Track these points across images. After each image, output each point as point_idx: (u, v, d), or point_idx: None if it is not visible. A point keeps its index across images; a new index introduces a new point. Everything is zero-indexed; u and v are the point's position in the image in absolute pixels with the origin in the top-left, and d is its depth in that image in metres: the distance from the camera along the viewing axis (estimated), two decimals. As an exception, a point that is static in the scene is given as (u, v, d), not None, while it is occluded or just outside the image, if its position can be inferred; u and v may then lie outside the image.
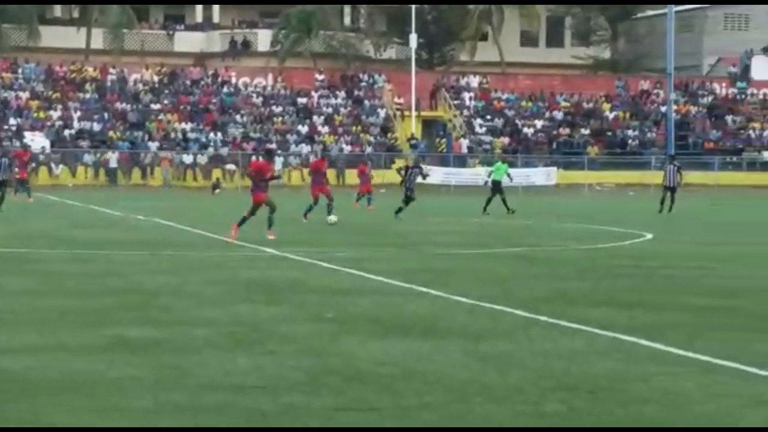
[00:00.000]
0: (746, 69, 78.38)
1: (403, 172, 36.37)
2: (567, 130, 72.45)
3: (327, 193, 31.88)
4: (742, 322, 13.02)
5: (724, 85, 78.05)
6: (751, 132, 73.06)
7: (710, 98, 76.58)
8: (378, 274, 17.91)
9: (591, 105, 75.12)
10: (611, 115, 74.29)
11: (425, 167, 38.29)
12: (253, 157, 56.20)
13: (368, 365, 9.87)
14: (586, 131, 72.37)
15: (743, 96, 77.05)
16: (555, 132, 72.52)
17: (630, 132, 72.57)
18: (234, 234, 24.15)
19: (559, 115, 74.43)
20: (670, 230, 31.00)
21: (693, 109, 74.98)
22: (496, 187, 38.78)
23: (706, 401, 8.59)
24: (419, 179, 36.75)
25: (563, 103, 75.40)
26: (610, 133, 72.46)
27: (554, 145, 70.85)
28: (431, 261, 21.26)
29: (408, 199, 34.77)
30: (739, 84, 77.51)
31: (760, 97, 77.09)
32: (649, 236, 27.99)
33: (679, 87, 74.74)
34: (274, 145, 63.31)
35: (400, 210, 34.06)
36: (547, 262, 21.39)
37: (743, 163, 70.24)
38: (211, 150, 69.24)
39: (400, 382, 9.11)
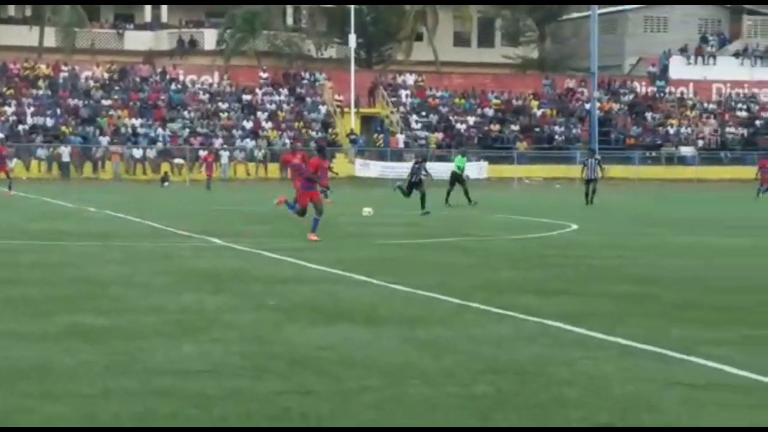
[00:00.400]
0: (665, 69, 79.05)
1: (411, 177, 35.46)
2: (497, 126, 72.71)
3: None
4: (660, 308, 13.16)
5: (644, 83, 78.67)
6: (669, 128, 73.66)
7: (631, 96, 77.17)
8: (319, 264, 17.91)
9: (520, 102, 75.47)
10: (539, 112, 74.68)
11: (428, 165, 37.14)
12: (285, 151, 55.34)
13: (309, 351, 9.89)
14: (515, 127, 72.69)
15: (662, 94, 77.69)
16: (486, 128, 72.77)
17: (557, 128, 72.97)
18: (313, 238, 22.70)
19: (490, 111, 74.70)
20: (593, 221, 31.20)
21: (615, 107, 75.51)
22: (457, 178, 39.09)
23: (626, 383, 8.69)
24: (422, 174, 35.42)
25: (494, 101, 75.68)
26: (537, 129, 72.81)
27: (486, 141, 71.07)
28: (370, 251, 21.27)
29: (411, 190, 34.72)
30: (658, 83, 78.15)
31: (678, 95, 77.79)
32: (575, 227, 28.16)
33: (602, 85, 75.31)
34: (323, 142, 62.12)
35: (421, 205, 33.51)
36: (479, 251, 21.49)
37: (662, 158, 70.83)
38: (159, 145, 68.83)
39: (340, 367, 9.15)
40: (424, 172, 35.02)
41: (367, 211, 29.80)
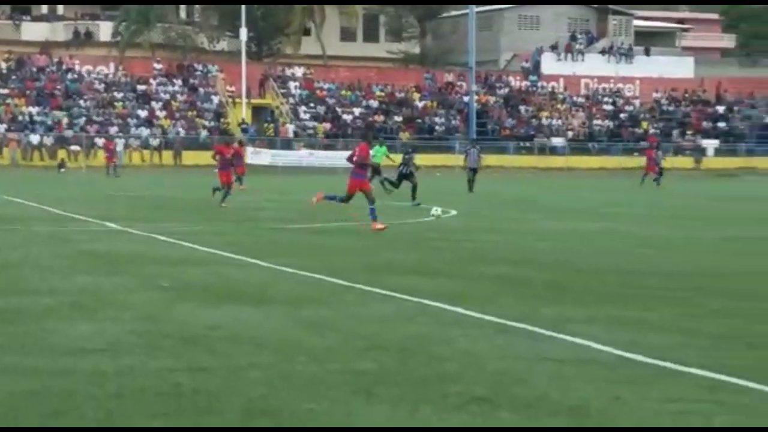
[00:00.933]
0: (537, 64, 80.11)
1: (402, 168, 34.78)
2: (382, 117, 72.90)
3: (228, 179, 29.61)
4: (533, 289, 13.33)
5: (518, 78, 79.64)
6: (541, 120, 74.66)
7: (506, 90, 78.01)
8: (211, 247, 17.79)
9: (403, 95, 75.77)
10: (420, 104, 75.07)
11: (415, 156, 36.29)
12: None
13: (201, 330, 9.82)
14: (398, 118, 72.95)
15: (535, 88, 78.72)
16: (371, 119, 72.91)
17: (437, 119, 73.43)
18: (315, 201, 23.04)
19: (374, 103, 74.87)
20: (472, 207, 31.50)
21: (491, 100, 76.28)
22: (376, 170, 39.00)
23: (499, 359, 8.80)
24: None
25: (378, 93, 75.86)
26: (419, 120, 73.16)
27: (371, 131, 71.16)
28: (261, 235, 21.21)
29: (401, 181, 33.89)
30: (531, 78, 79.17)
31: (549, 89, 78.86)
32: (454, 212, 28.38)
33: (479, 80, 75.96)
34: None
35: (412, 196, 32.59)
36: (363, 235, 21.50)
37: (534, 148, 71.69)
38: (56, 132, 67.60)
39: (230, 345, 9.10)
40: (413, 165, 34.53)
41: (436, 210, 25.85)
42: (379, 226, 21.45)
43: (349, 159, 22.43)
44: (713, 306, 11.94)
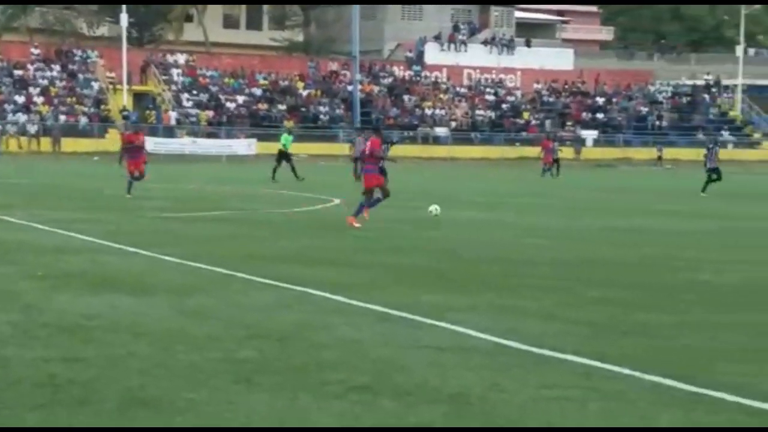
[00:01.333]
0: (421, 54, 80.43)
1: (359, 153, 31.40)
2: (266, 105, 72.54)
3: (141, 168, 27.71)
4: (415, 277, 13.41)
5: (402, 68, 79.85)
6: (425, 110, 75.09)
7: (390, 79, 78.21)
8: (91, 235, 17.49)
9: (287, 83, 75.44)
10: (305, 93, 74.87)
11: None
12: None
13: (78, 319, 9.67)
14: (282, 107, 72.63)
15: (418, 78, 79.06)
16: (255, 107, 72.48)
17: (321, 108, 73.34)
18: (366, 216, 20.79)
19: (258, 91, 74.41)
20: (355, 196, 31.43)
21: (375, 89, 76.41)
22: (283, 156, 38.71)
23: (381, 347, 8.84)
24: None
25: (262, 81, 75.39)
26: (303, 109, 72.96)
27: (255, 119, 70.72)
28: (142, 223, 20.90)
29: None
30: (414, 67, 79.45)
31: (433, 79, 79.28)
32: (338, 201, 28.37)
33: (363, 69, 76.02)
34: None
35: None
36: (247, 224, 21.39)
37: (418, 138, 72.06)
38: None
39: (108, 334, 8.99)
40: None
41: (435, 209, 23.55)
42: (356, 224, 20.04)
43: (361, 155, 21.74)
44: (591, 295, 12.15)
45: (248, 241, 17.62)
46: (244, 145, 65.69)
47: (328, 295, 11.50)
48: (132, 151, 28.29)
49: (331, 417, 6.63)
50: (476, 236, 19.65)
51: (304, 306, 10.87)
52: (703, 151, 36.24)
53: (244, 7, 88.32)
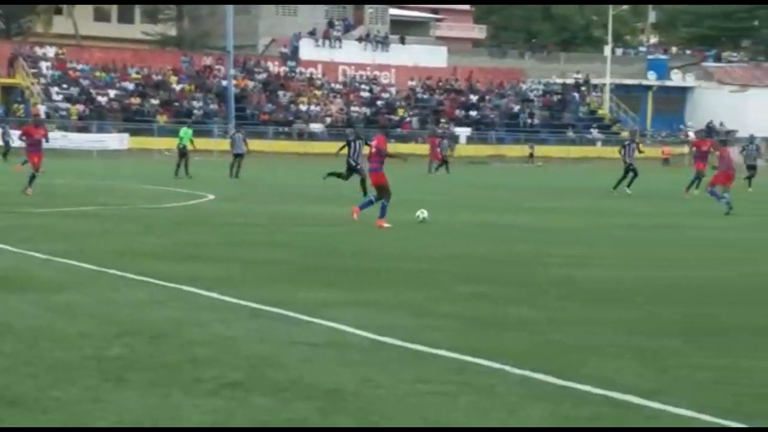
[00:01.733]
0: (295, 50, 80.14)
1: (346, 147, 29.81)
2: (138, 100, 71.51)
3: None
4: (289, 273, 13.38)
5: (276, 63, 79.44)
6: (300, 106, 74.90)
7: (265, 75, 77.78)
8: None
9: (160, 77, 74.47)
10: (178, 88, 74.00)
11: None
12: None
13: (-59, 318, 9.41)
14: (155, 101, 71.67)
15: (293, 74, 78.78)
16: (127, 101, 71.40)
17: (195, 103, 72.56)
18: (355, 216, 20.77)
19: (130, 86, 73.30)
20: (230, 192, 31.27)
21: (250, 84, 75.90)
22: (183, 152, 37.98)
23: (255, 343, 8.79)
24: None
25: (134, 75, 74.27)
26: (177, 104, 72.12)
27: (127, 113, 69.63)
28: (9, 219, 20.39)
29: (350, 173, 28.84)
30: (289, 63, 79.13)
31: (307, 75, 79.11)
32: (212, 197, 28.15)
33: (237, 64, 75.45)
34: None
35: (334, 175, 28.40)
36: (117, 219, 21.07)
37: (293, 134, 71.86)
38: None
39: (-27, 334, 8.76)
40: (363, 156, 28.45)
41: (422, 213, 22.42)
42: (386, 224, 20.04)
43: (371, 154, 21.37)
44: (465, 290, 12.27)
45: (120, 237, 17.36)
46: (116, 140, 64.69)
47: (201, 291, 11.41)
48: (31, 144, 28.13)
49: (203, 414, 6.56)
50: (350, 231, 19.65)
51: (176, 303, 10.75)
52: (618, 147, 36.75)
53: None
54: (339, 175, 28.79)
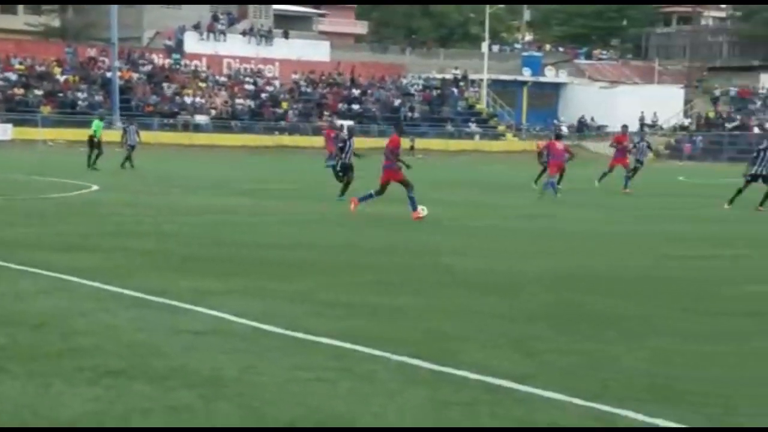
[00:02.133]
0: (180, 43, 79.19)
1: (341, 145, 27.58)
2: (22, 91, 69.88)
3: None
4: (172, 262, 13.24)
5: (161, 56, 78.35)
6: (185, 98, 74.04)
7: (150, 67, 76.64)
8: None
9: (44, 68, 72.90)
10: (62, 79, 72.52)
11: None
12: None
13: None
14: (39, 92, 70.10)
15: (178, 66, 77.80)
16: (10, 92, 69.73)
17: (79, 94, 71.18)
18: (353, 209, 21.22)
19: (13, 76, 71.58)
20: (115, 182, 30.78)
21: (135, 76, 74.73)
22: (93, 143, 37.15)
23: (137, 332, 8.67)
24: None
25: (18, 66, 72.56)
26: (61, 95, 70.67)
27: (11, 104, 68.01)
28: None
29: (345, 171, 26.61)
30: (174, 56, 78.13)
31: (192, 68, 78.21)
32: (96, 188, 27.69)
33: (122, 56, 74.19)
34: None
35: (343, 192, 25.63)
36: (3, 212, 20.59)
37: (178, 125, 70.97)
38: None
39: None
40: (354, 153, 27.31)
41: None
42: (421, 214, 20.53)
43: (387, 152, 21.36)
44: (344, 278, 12.27)
45: (1, 228, 16.95)
46: (1, 130, 63.16)
47: (83, 281, 11.21)
48: None
49: (85, 402, 6.45)
50: (233, 221, 19.51)
51: (59, 292, 10.55)
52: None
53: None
54: (347, 184, 26.20)
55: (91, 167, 36.56)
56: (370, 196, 21.58)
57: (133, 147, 39.16)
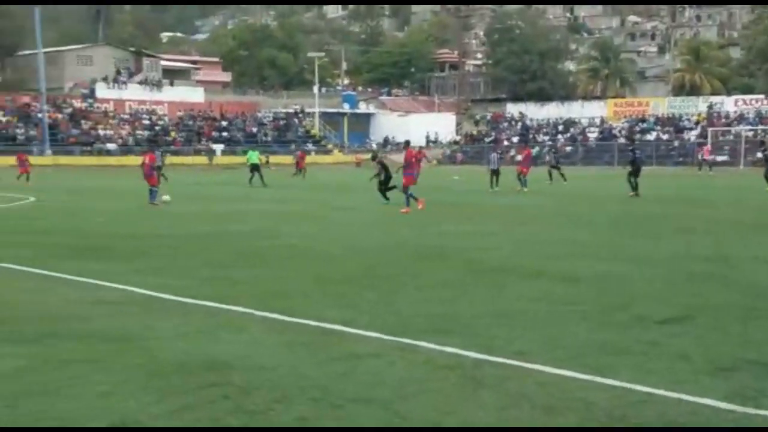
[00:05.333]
0: (93, 91, 76.38)
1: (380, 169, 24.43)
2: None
3: None
4: (82, 251, 12.73)
5: (79, 100, 75.19)
6: (99, 131, 71.31)
7: (71, 109, 73.41)
8: None
9: (-12, 112, 69.07)
10: (4, 119, 68.72)
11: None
12: None
13: None
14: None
15: (92, 108, 74.84)
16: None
17: (18, 131, 67.47)
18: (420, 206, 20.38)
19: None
20: (46, 196, 29.43)
21: (60, 116, 71.52)
22: (254, 167, 35.30)
23: (64, 305, 8.37)
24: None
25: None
26: (4, 131, 66.97)
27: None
28: None
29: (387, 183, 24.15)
30: (89, 100, 75.27)
31: (103, 109, 75.33)
32: (33, 199, 26.47)
33: (49, 101, 70.83)
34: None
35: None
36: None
37: (94, 151, 68.12)
38: None
39: None
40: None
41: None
42: (420, 206, 20.45)
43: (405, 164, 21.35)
44: (217, 258, 12.09)
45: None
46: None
47: (21, 267, 10.74)
48: None
49: (27, 357, 6.23)
50: (129, 219, 18.76)
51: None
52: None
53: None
54: (384, 194, 24.21)
55: (256, 185, 34.51)
56: (411, 196, 20.69)
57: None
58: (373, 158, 27.33)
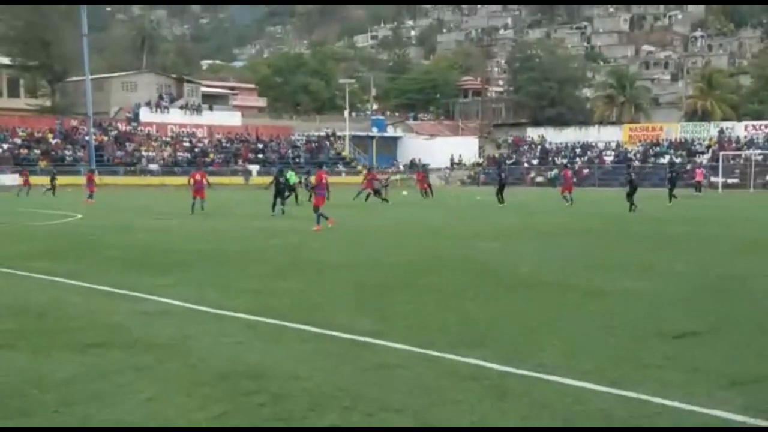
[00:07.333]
0: (137, 115, 77.23)
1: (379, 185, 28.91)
2: (26, 151, 66.89)
3: None
4: (132, 265, 12.81)
5: (123, 124, 76.10)
6: (142, 152, 72.14)
7: (116, 132, 74.38)
8: None
9: (40, 135, 70.06)
10: (54, 141, 69.73)
11: None
12: None
13: None
14: (37, 151, 67.26)
15: (135, 131, 75.74)
16: (17, 152, 66.66)
17: (66, 152, 68.50)
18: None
19: (19, 141, 68.59)
20: (92, 213, 29.78)
21: (105, 138, 72.38)
22: (292, 188, 33.33)
23: (111, 315, 8.43)
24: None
25: (21, 133, 69.59)
26: (53, 153, 67.84)
27: (17, 159, 65.02)
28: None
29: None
30: (133, 124, 76.10)
31: (146, 132, 76.22)
32: (80, 216, 26.78)
33: (96, 124, 71.77)
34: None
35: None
36: (11, 234, 19.73)
37: (137, 171, 68.86)
38: None
39: None
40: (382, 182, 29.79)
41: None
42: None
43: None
44: (254, 271, 12.06)
45: (8, 245, 16.23)
46: (10, 179, 60.45)
47: (68, 281, 10.86)
48: None
49: (77, 366, 6.28)
50: (172, 235, 18.80)
51: (53, 290, 10.19)
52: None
53: (5, 79, 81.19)
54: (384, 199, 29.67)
55: (297, 204, 33.87)
56: (321, 215, 20.35)
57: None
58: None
